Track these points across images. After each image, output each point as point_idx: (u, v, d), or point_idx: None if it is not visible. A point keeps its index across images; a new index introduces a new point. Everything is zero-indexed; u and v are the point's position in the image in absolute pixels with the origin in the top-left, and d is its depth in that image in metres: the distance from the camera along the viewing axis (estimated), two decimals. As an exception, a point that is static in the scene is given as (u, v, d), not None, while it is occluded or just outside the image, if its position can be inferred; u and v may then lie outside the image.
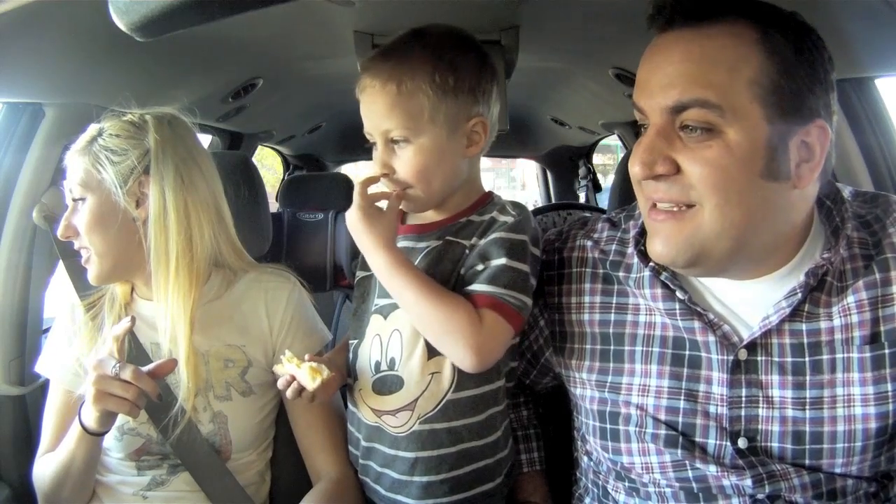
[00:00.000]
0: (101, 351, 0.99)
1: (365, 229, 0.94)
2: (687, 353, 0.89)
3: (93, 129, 1.09)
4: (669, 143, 0.79)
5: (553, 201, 3.58)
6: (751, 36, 0.76)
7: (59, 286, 1.28)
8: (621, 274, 0.95)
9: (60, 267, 1.22)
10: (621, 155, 2.06)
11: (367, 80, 0.95)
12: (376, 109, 0.94)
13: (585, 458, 1.04)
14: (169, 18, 0.59)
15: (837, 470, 0.84)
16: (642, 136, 0.82)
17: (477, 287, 0.93)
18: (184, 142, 1.10)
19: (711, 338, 0.87)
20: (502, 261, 0.93)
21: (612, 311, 0.96)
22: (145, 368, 0.96)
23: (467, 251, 0.97)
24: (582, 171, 3.27)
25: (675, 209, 0.81)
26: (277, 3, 0.65)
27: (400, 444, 0.98)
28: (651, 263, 0.90)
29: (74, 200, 1.08)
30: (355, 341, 1.05)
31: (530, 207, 1.31)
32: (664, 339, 0.90)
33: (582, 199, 3.28)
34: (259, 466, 1.17)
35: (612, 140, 3.11)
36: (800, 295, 0.82)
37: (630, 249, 0.95)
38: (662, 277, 0.89)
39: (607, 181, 3.77)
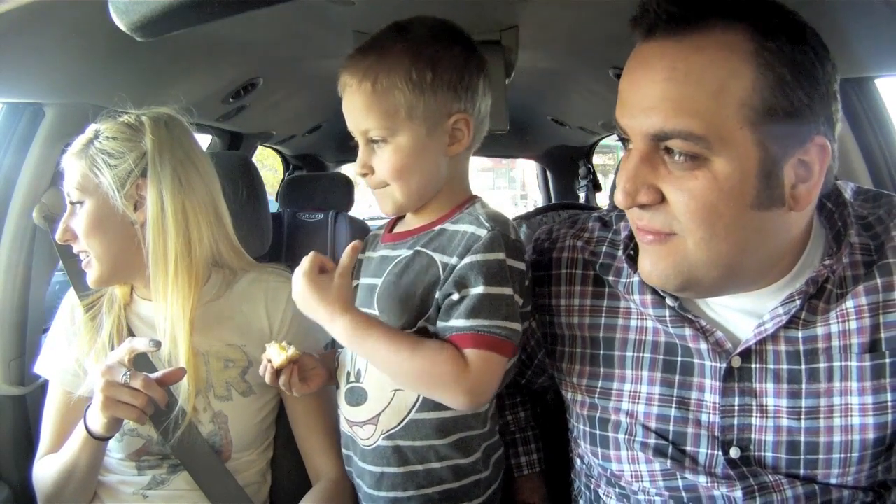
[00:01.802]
0: (110, 357, 0.99)
1: (315, 297, 0.89)
2: (679, 359, 0.86)
3: (89, 131, 1.09)
4: (653, 170, 0.73)
5: (553, 201, 3.58)
6: (744, 47, 0.68)
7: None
8: (611, 278, 0.91)
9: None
10: (621, 155, 2.06)
11: (346, 77, 0.92)
12: (354, 109, 0.92)
13: (578, 461, 1.02)
14: (169, 18, 0.59)
15: (833, 481, 0.81)
16: (625, 156, 0.77)
17: (456, 323, 0.87)
18: (181, 143, 1.10)
19: (704, 345, 0.83)
20: (480, 289, 0.86)
21: (603, 314, 0.92)
22: (153, 376, 0.96)
23: (440, 270, 0.90)
24: (582, 171, 3.27)
25: (659, 234, 0.76)
26: (277, 2, 0.65)
27: (367, 457, 0.97)
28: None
29: (72, 204, 1.07)
30: (342, 348, 1.03)
31: (531, 208, 1.30)
32: (656, 345, 0.87)
33: (582, 199, 3.28)
34: (260, 466, 1.17)
35: (612, 140, 3.12)
36: (798, 302, 0.78)
37: (620, 253, 0.91)
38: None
39: (607, 181, 3.77)
